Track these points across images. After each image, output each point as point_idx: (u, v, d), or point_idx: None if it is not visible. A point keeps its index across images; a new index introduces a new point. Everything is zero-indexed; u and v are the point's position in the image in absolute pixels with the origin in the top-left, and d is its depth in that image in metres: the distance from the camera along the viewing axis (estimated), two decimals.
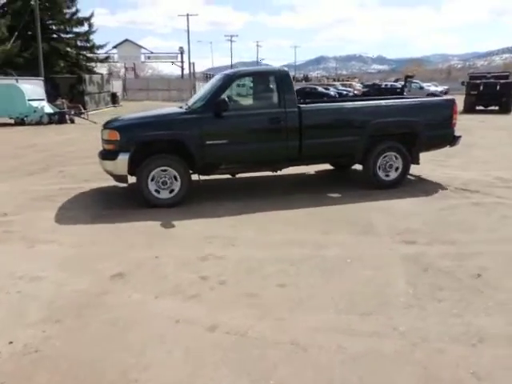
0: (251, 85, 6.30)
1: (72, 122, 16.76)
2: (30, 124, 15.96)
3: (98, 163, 5.73)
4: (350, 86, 46.34)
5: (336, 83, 46.51)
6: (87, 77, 22.60)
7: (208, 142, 5.37)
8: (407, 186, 6.20)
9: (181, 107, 6.07)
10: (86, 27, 33.05)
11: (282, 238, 4.34)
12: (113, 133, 5.36)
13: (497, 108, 19.51)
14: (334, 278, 3.46)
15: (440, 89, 38.66)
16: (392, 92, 31.37)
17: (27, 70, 23.50)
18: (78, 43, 33.02)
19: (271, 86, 5.93)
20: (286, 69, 6.06)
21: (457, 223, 4.64)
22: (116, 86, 33.60)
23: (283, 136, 5.63)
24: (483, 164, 7.79)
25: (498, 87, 18.71)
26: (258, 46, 77.93)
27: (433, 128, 6.05)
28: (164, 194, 5.39)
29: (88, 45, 32.79)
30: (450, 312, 2.90)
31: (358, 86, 43.32)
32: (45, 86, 21.53)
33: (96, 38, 32.88)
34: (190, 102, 6.15)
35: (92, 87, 22.66)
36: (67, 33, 32.05)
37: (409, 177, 6.48)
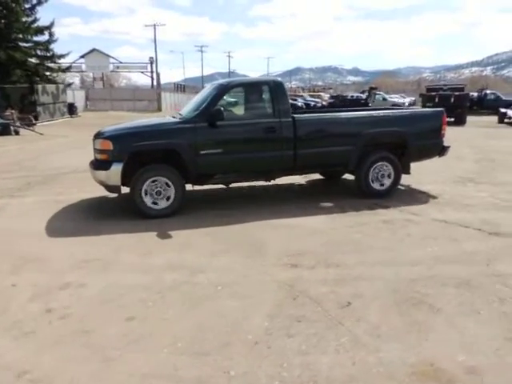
0: (245, 95, 6.24)
1: (17, 133, 16.07)
2: None
3: (16, 177, 5.30)
4: (319, 96, 46.84)
5: (304, 94, 46.82)
6: (40, 87, 21.84)
7: (202, 152, 5.36)
8: (334, 200, 6.02)
9: (174, 117, 6.04)
10: (46, 36, 32.19)
11: (165, 261, 4.00)
12: (106, 142, 5.26)
13: (452, 120, 19.81)
14: (193, 309, 3.13)
15: (407, 100, 39.37)
16: (357, 103, 31.75)
17: None
18: (38, 52, 32.08)
19: (265, 97, 5.96)
20: (279, 79, 6.13)
21: (355, 243, 4.39)
22: (78, 97, 32.83)
23: (278, 146, 5.67)
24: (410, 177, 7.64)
25: (452, 99, 18.99)
26: (229, 56, 77.88)
27: (422, 138, 6.19)
28: (159, 205, 5.34)
29: (48, 54, 31.90)
30: (297, 350, 2.60)
31: (326, 97, 43.72)
32: None
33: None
34: (184, 111, 6.12)
35: (46, 97, 21.91)
36: (26, 41, 31.10)
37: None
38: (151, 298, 3.29)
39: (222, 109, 5.43)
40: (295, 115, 5.86)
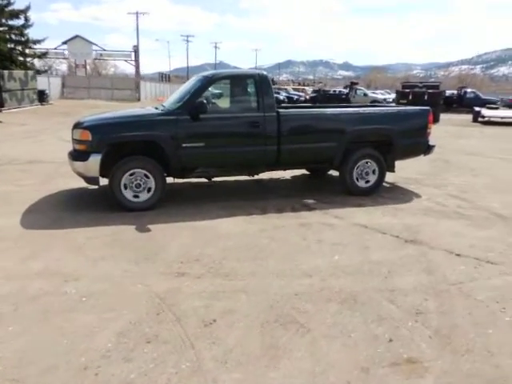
0: (230, 88, 6.03)
1: None
2: None
3: None
4: (303, 90, 46.49)
5: (288, 87, 46.41)
6: (6, 72, 21.04)
7: (184, 145, 5.23)
8: (268, 199, 5.70)
9: (156, 108, 5.86)
10: (22, 20, 31.26)
11: (42, 266, 3.64)
12: (84, 132, 5.09)
13: None
14: (40, 324, 2.80)
15: (392, 96, 39.15)
16: (338, 98, 31.50)
17: None
18: (13, 37, 31.17)
19: (250, 90, 5.86)
20: (265, 73, 5.91)
21: (259, 249, 4.08)
22: (54, 84, 32.00)
23: (261, 140, 5.56)
24: None
25: (425, 97, 18.79)
26: (216, 47, 76.90)
27: (408, 136, 6.13)
28: (139, 197, 5.18)
29: (22, 39, 31.01)
30: (124, 378, 2.29)
31: (310, 91, 43.34)
32: None
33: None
34: (167, 103, 6.01)
35: (13, 84, 21.12)
36: (0, 25, 30.15)
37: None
38: (1, 311, 2.95)
39: (205, 101, 5.30)
40: (280, 110, 5.76)
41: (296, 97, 40.15)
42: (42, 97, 24.47)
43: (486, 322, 2.85)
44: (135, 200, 5.20)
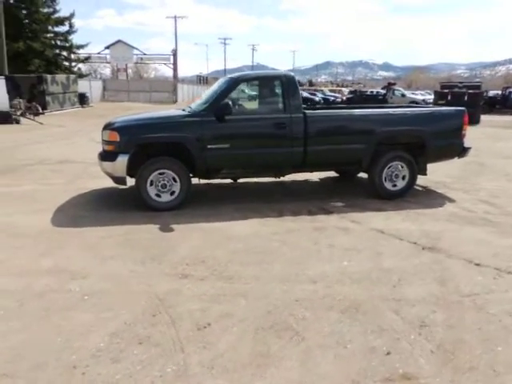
0: (256, 89, 6.13)
1: (17, 122, 16.26)
2: None
3: None
4: (340, 92, 45.84)
5: (324, 89, 45.91)
6: (49, 77, 22.07)
7: (209, 146, 5.25)
8: (287, 202, 5.61)
9: (184, 110, 5.93)
10: (66, 27, 32.76)
11: (53, 263, 3.73)
12: (113, 134, 5.23)
13: None
14: (40, 321, 2.85)
15: (433, 97, 37.80)
16: (375, 99, 30.84)
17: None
18: (58, 43, 32.69)
19: (276, 91, 5.79)
20: (292, 73, 5.88)
21: (268, 252, 4.01)
22: (95, 87, 33.19)
23: (287, 142, 5.50)
24: None
25: (465, 97, 18.00)
26: (253, 49, 77.29)
27: (441, 138, 5.89)
28: (165, 198, 5.27)
29: (67, 44, 32.44)
30: (109, 379, 2.29)
31: (347, 92, 42.67)
32: (6, 86, 21.11)
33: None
34: (194, 104, 6.04)
35: (55, 87, 22.13)
36: (46, 32, 31.69)
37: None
38: (6, 307, 3.04)
39: (231, 103, 5.30)
40: (307, 111, 5.67)
41: (332, 98, 39.63)
42: (82, 99, 25.46)
43: (496, 337, 2.65)
44: (160, 200, 5.27)
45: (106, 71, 63.88)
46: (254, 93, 6.05)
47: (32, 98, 20.72)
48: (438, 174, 7.43)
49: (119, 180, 5.31)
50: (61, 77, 23.81)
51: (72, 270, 3.63)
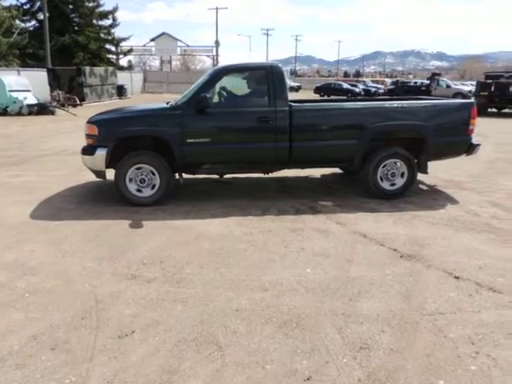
0: (240, 81, 5.94)
1: (52, 113, 16.90)
2: (10, 114, 16.27)
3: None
4: (383, 82, 44.19)
5: (366, 79, 44.40)
6: (88, 69, 22.77)
7: (189, 141, 5.09)
8: (276, 199, 5.35)
9: (167, 103, 5.76)
10: (110, 20, 33.68)
11: (14, 257, 3.72)
12: (92, 127, 5.19)
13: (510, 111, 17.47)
14: None
15: None
16: (417, 90, 29.42)
17: (52, 60, 24.31)
18: (102, 36, 33.68)
19: (261, 83, 5.43)
20: (278, 64, 5.57)
21: (231, 255, 3.78)
22: (136, 79, 33.95)
23: (271, 137, 5.20)
24: None
25: (510, 88, 16.65)
26: (296, 40, 76.18)
27: (444, 134, 5.37)
28: (143, 192, 5.19)
29: (109, 37, 33.37)
30: (19, 381, 2.19)
31: (390, 83, 41.04)
32: (48, 78, 22.04)
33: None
34: (180, 97, 5.90)
35: (93, 79, 22.82)
36: (90, 26, 32.74)
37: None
38: None
39: (211, 95, 5.16)
40: (293, 104, 5.35)
41: (374, 89, 38.33)
42: (120, 91, 26.11)
43: (442, 368, 2.29)
44: (139, 195, 5.18)
45: (156, 63, 65.48)
46: (239, 85, 5.77)
47: (71, 89, 21.50)
48: (455, 171, 6.88)
49: (99, 174, 5.24)
50: (99, 69, 24.52)
51: (28, 266, 3.59)
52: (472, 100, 5.74)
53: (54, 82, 21.61)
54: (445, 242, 4.03)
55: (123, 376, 2.26)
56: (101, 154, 5.04)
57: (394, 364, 2.33)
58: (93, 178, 6.45)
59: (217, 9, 48.28)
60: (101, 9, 33.12)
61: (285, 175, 6.55)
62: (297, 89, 54.95)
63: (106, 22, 33.74)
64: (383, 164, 5.35)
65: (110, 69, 25.80)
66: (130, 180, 5.14)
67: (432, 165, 5.63)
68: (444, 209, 5.05)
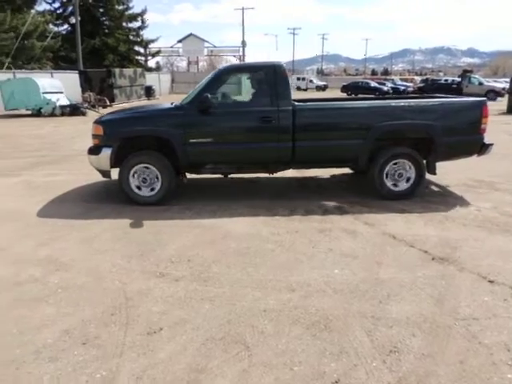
0: (243, 80, 5.99)
1: (83, 114, 17.34)
2: (44, 115, 16.81)
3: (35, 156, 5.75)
4: (412, 80, 43.28)
5: (395, 77, 43.56)
6: (117, 71, 23.28)
7: (192, 141, 5.15)
8: (302, 200, 5.32)
9: (172, 103, 5.85)
10: (139, 23, 34.31)
11: (48, 253, 3.84)
12: (98, 127, 5.33)
13: None
14: (5, 314, 2.92)
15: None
16: (447, 88, 28.68)
17: (83, 63, 25.07)
18: (131, 38, 34.35)
19: (264, 82, 5.43)
20: (281, 63, 5.52)
21: (258, 255, 3.77)
22: (164, 80, 34.45)
23: (274, 137, 5.19)
24: None
25: None
26: (323, 38, 75.53)
27: (454, 133, 5.22)
28: (145, 192, 5.29)
29: (138, 39, 33.98)
30: (52, 374, 2.25)
31: (419, 80, 40.14)
32: (79, 80, 22.65)
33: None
34: (185, 97, 6.13)
35: (122, 81, 23.33)
36: (120, 28, 33.45)
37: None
38: None
39: (216, 96, 5.19)
40: (296, 103, 5.31)
41: (403, 87, 37.59)
42: (149, 92, 26.57)
43: (476, 376, 2.21)
44: (141, 193, 5.26)
45: (183, 64, 66.36)
46: (242, 84, 5.76)
47: (101, 91, 22.04)
48: (487, 173, 6.64)
49: (105, 173, 5.37)
50: (128, 70, 25.03)
51: (61, 262, 3.70)
52: (483, 98, 5.49)
53: (86, 83, 22.20)
54: (478, 245, 3.90)
55: (152, 372, 2.29)
56: (106, 153, 5.16)
57: (426, 369, 2.27)
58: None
59: (243, 9, 48.55)
60: (130, 11, 33.87)
61: (310, 175, 6.52)
62: (323, 88, 54.49)
63: (135, 25, 34.51)
64: (390, 164, 5.24)
65: (139, 70, 26.32)
66: (133, 179, 5.23)
67: (461, 164, 5.47)
68: (477, 210, 4.89)
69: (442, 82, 31.83)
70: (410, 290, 3.10)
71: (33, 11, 27.53)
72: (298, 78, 59.50)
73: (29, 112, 17.39)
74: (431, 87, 29.72)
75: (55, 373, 2.30)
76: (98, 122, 5.42)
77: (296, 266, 3.56)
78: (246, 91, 5.82)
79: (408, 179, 5.31)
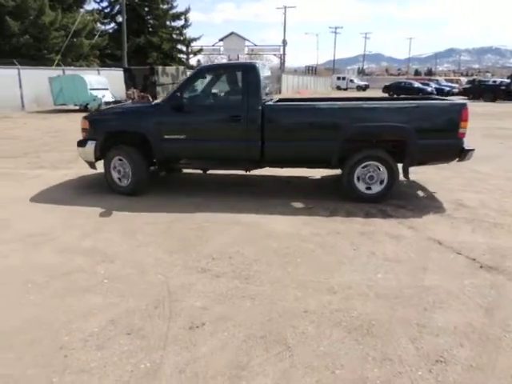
0: (218, 80, 6.15)
1: None
2: (90, 111, 17.42)
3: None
4: (457, 81, 41.74)
5: (439, 78, 42.14)
6: (160, 68, 23.75)
7: (166, 137, 5.42)
8: (344, 202, 5.26)
9: (152, 101, 6.43)
10: (182, 21, 34.92)
11: (92, 244, 3.98)
12: (85, 122, 5.80)
13: None
14: (52, 300, 3.05)
15: None
16: (496, 89, 27.51)
17: (128, 60, 25.90)
18: (174, 36, 35.02)
19: (237, 82, 5.69)
20: (255, 63, 5.61)
21: (299, 255, 3.75)
22: None
23: (244, 135, 5.28)
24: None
25: None
26: (365, 37, 74.20)
27: (430, 137, 5.05)
28: (123, 182, 5.66)
29: (181, 38, 34.59)
30: (99, 362, 2.33)
31: (465, 81, 38.65)
32: (124, 77, 23.33)
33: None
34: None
35: (165, 78, 23.77)
36: (164, 27, 34.17)
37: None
38: (35, 281, 3.30)
39: (180, 94, 5.36)
40: (266, 103, 5.35)
41: (448, 88, 36.34)
42: None
43: None
44: (119, 184, 5.65)
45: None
46: (216, 83, 5.85)
47: (145, 88, 22.58)
48: None
49: (91, 164, 5.84)
50: (171, 68, 25.49)
51: (106, 253, 3.82)
52: (464, 101, 5.18)
53: (130, 80, 22.81)
54: None
55: (194, 366, 2.33)
56: (90, 146, 5.63)
57: (474, 381, 2.18)
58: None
59: (285, 8, 48.43)
60: (174, 10, 34.53)
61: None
62: (364, 88, 53.51)
63: (178, 23, 35.14)
64: (361, 166, 5.13)
65: (181, 68, 26.75)
66: (114, 171, 5.62)
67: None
68: None
69: (490, 83, 30.54)
70: (458, 299, 2.99)
71: (82, 10, 28.70)
72: (338, 78, 58.80)
73: (76, 107, 18.12)
74: (478, 88, 28.60)
75: (102, 361, 2.38)
76: (86, 117, 5.85)
77: (337, 267, 3.51)
78: (219, 90, 5.99)
79: (382, 182, 5.17)
